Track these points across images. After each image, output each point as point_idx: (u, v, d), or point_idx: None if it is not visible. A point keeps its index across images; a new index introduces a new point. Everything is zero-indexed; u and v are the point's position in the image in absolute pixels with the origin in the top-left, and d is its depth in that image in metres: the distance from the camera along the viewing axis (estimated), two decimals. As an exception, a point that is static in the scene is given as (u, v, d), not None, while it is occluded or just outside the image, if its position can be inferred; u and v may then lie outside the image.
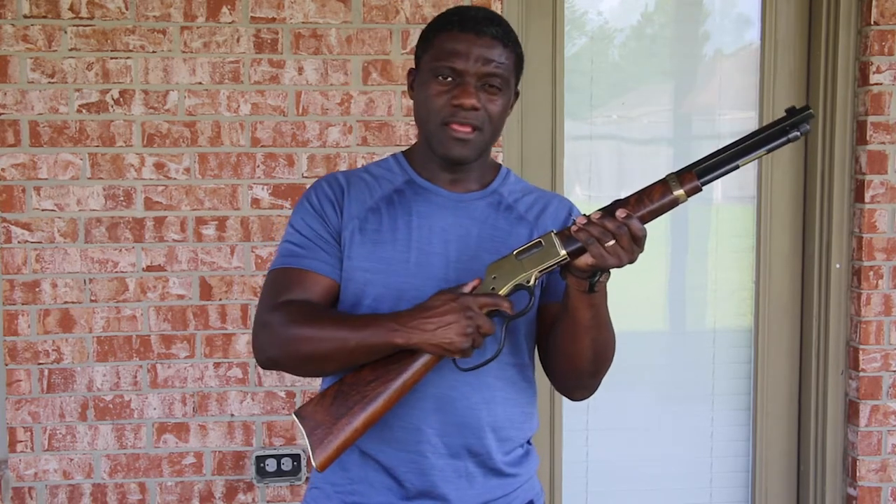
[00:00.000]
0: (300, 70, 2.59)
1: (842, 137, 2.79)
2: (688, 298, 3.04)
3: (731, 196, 3.01)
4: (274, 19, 2.57)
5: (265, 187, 2.61)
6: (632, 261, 1.27)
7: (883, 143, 2.75)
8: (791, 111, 1.28)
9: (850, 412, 2.85)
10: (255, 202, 2.61)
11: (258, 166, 2.60)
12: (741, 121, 2.95)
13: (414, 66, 1.49)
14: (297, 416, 1.35)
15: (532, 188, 1.57)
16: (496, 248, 1.44)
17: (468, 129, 1.40)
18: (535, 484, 1.55)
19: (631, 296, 2.99)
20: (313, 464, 1.32)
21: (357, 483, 1.46)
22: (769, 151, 1.28)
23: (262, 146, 2.60)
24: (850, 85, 2.78)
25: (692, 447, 3.02)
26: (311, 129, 2.61)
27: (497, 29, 1.40)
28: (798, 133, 1.26)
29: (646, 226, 1.29)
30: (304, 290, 1.41)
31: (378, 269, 1.42)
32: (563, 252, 1.29)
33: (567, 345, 1.40)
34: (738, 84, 2.94)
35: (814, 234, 2.86)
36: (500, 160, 2.64)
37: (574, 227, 1.28)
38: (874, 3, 2.70)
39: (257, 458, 2.64)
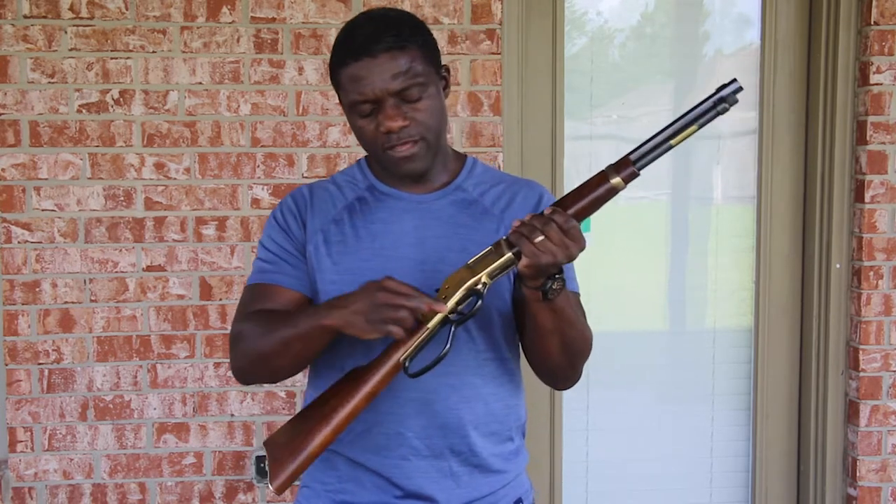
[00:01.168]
0: (300, 70, 2.59)
1: (842, 137, 2.79)
2: (688, 298, 3.04)
3: (731, 196, 3.02)
4: (274, 19, 2.57)
5: (265, 187, 2.61)
6: (569, 257, 1.25)
7: (883, 143, 2.75)
8: (721, 87, 1.30)
9: (850, 412, 2.85)
10: (255, 202, 2.61)
11: (258, 166, 2.60)
12: (741, 121, 2.95)
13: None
14: (264, 444, 1.38)
15: (501, 178, 1.54)
16: (462, 246, 1.42)
17: (409, 147, 1.38)
18: (523, 481, 1.54)
19: (631, 296, 2.99)
20: (270, 487, 1.32)
21: (346, 482, 1.46)
22: (700, 127, 1.30)
23: (262, 146, 2.60)
24: (850, 85, 2.78)
25: (692, 447, 3.02)
26: (311, 129, 2.61)
27: (388, 40, 1.33)
28: (727, 105, 1.28)
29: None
30: (271, 302, 1.44)
31: (345, 281, 1.41)
32: (508, 253, 1.28)
33: (535, 345, 1.41)
34: (737, 84, 2.94)
35: (814, 234, 2.86)
36: (499, 160, 2.64)
37: (512, 229, 1.27)
38: (874, 3, 2.70)
39: (257, 458, 2.64)
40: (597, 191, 1.30)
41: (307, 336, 1.34)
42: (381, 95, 1.34)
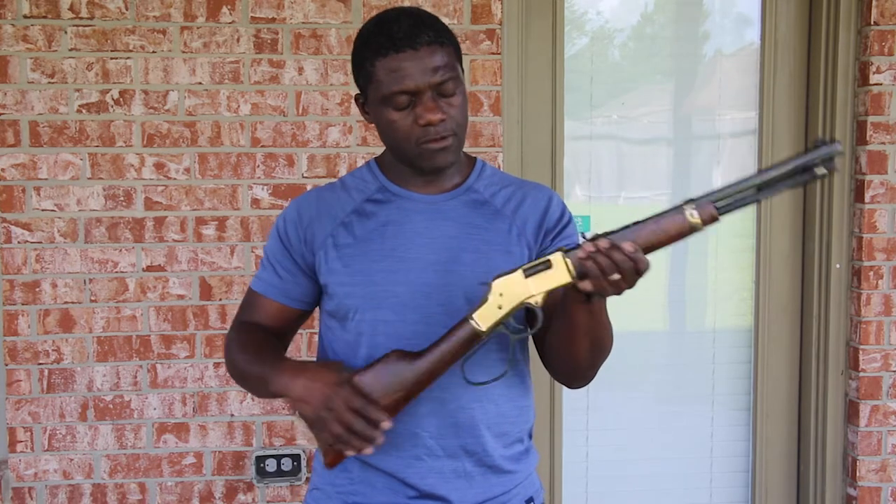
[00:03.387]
0: (300, 70, 2.59)
1: (842, 137, 2.79)
2: (688, 298, 3.04)
3: (731, 196, 3.01)
4: (274, 19, 2.57)
5: (265, 187, 2.61)
6: (630, 288, 1.25)
7: (883, 143, 2.75)
8: (819, 143, 1.23)
9: (850, 412, 2.85)
10: (255, 202, 2.61)
11: (258, 166, 2.60)
12: (741, 121, 2.95)
13: (358, 92, 1.46)
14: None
15: (510, 180, 1.55)
16: (474, 246, 1.43)
17: (445, 141, 1.39)
18: (534, 481, 1.55)
19: (631, 296, 2.98)
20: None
21: (358, 483, 1.46)
22: (792, 188, 1.25)
23: (262, 146, 2.60)
24: (850, 85, 2.78)
25: (692, 447, 3.02)
26: (311, 129, 2.61)
27: (429, 33, 1.35)
28: (825, 170, 1.21)
29: None
30: (258, 312, 1.52)
31: (356, 282, 1.42)
32: (569, 278, 1.27)
33: (565, 345, 1.40)
34: (738, 84, 2.94)
35: (814, 234, 2.86)
36: (499, 161, 2.64)
37: (582, 254, 1.25)
38: (874, 3, 2.70)
39: (257, 458, 2.64)
40: (678, 232, 1.25)
41: (266, 385, 1.40)
42: (422, 88, 1.35)
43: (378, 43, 1.36)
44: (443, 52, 1.36)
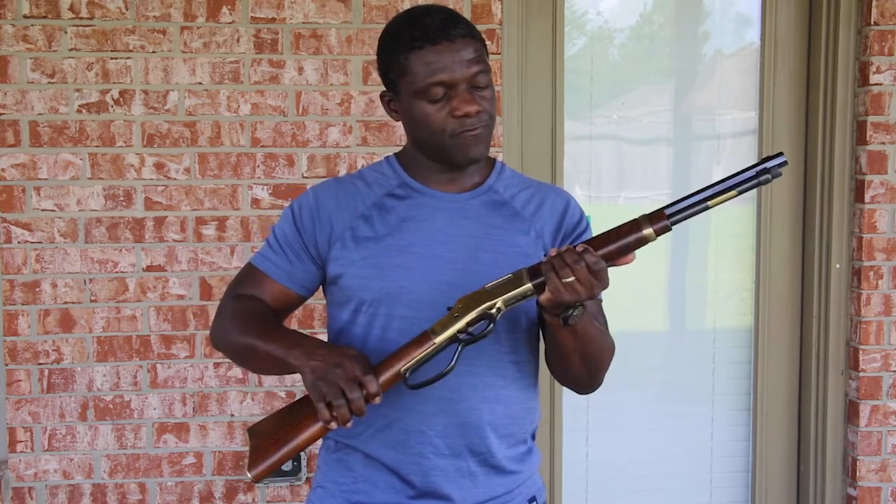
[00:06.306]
0: (300, 70, 2.59)
1: (842, 137, 2.79)
2: (688, 298, 3.04)
3: (731, 196, 3.02)
4: (274, 19, 2.57)
5: (265, 187, 2.61)
6: (591, 296, 1.26)
7: (883, 143, 2.75)
8: (767, 158, 1.30)
9: (850, 412, 2.85)
10: (255, 202, 2.61)
11: (258, 166, 2.60)
12: (741, 121, 2.95)
13: (385, 89, 1.47)
14: (248, 431, 1.39)
15: (529, 182, 1.56)
16: (494, 246, 1.44)
17: (478, 132, 1.40)
18: (536, 480, 1.56)
19: (631, 296, 2.99)
20: (248, 475, 1.32)
21: (361, 482, 1.46)
22: (739, 193, 1.31)
23: (262, 146, 2.60)
24: (850, 85, 2.78)
25: (692, 447, 3.02)
26: (311, 129, 2.61)
27: (461, 27, 1.38)
28: (770, 176, 1.29)
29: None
30: (259, 291, 1.49)
31: (373, 275, 1.42)
32: (528, 284, 1.29)
33: (558, 363, 1.43)
34: (738, 84, 2.94)
35: (814, 234, 2.86)
36: (500, 161, 2.64)
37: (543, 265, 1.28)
38: (874, 3, 2.71)
39: (257, 458, 2.64)
40: (627, 237, 1.31)
41: (275, 359, 1.37)
42: (458, 80, 1.37)
43: (412, 36, 1.38)
44: (474, 44, 1.39)
